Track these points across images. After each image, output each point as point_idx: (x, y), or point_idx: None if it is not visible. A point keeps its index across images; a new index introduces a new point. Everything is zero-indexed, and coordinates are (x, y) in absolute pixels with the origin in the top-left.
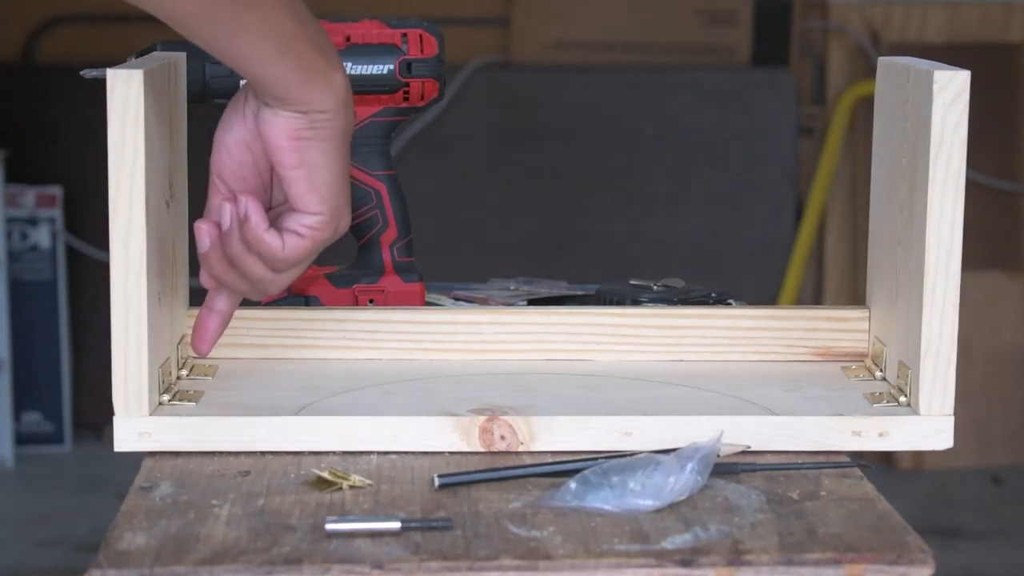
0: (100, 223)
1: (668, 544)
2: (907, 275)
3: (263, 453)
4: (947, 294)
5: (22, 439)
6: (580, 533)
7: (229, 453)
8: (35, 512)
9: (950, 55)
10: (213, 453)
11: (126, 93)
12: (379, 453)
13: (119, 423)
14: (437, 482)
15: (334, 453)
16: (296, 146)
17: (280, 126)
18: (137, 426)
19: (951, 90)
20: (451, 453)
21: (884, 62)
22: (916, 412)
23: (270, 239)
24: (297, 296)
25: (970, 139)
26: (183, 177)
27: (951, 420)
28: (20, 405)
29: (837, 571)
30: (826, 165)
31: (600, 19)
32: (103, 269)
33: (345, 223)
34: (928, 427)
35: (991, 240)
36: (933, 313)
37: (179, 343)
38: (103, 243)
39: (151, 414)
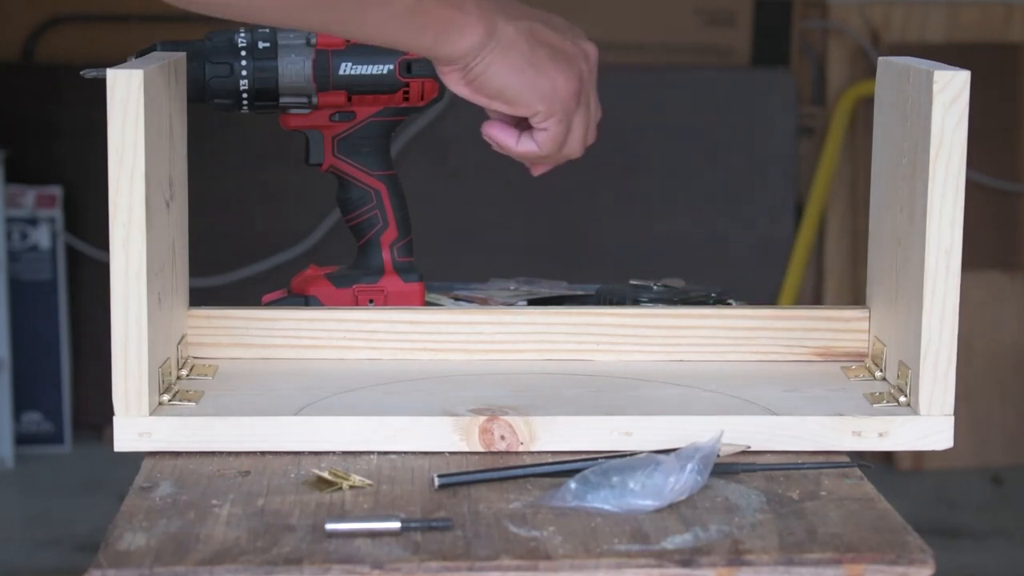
0: (100, 223)
1: (668, 544)
2: (907, 275)
3: (263, 453)
4: (947, 294)
5: (22, 439)
6: (580, 533)
7: (229, 453)
8: (35, 512)
9: (950, 55)
10: (213, 453)
11: (126, 93)
12: (379, 453)
13: (119, 423)
14: (437, 482)
15: (334, 453)
16: (472, 90)
17: (450, 80)
18: (137, 426)
19: (951, 90)
20: (451, 453)
21: (884, 62)
22: (916, 412)
23: (522, 149)
24: (297, 296)
25: (970, 139)
26: (183, 177)
27: (951, 420)
28: (20, 405)
29: (837, 571)
30: (826, 165)
31: (600, 19)
32: (103, 269)
33: (565, 90)
34: (928, 427)
35: (991, 240)
36: (933, 313)
37: (179, 343)
38: (103, 243)
39: (151, 414)
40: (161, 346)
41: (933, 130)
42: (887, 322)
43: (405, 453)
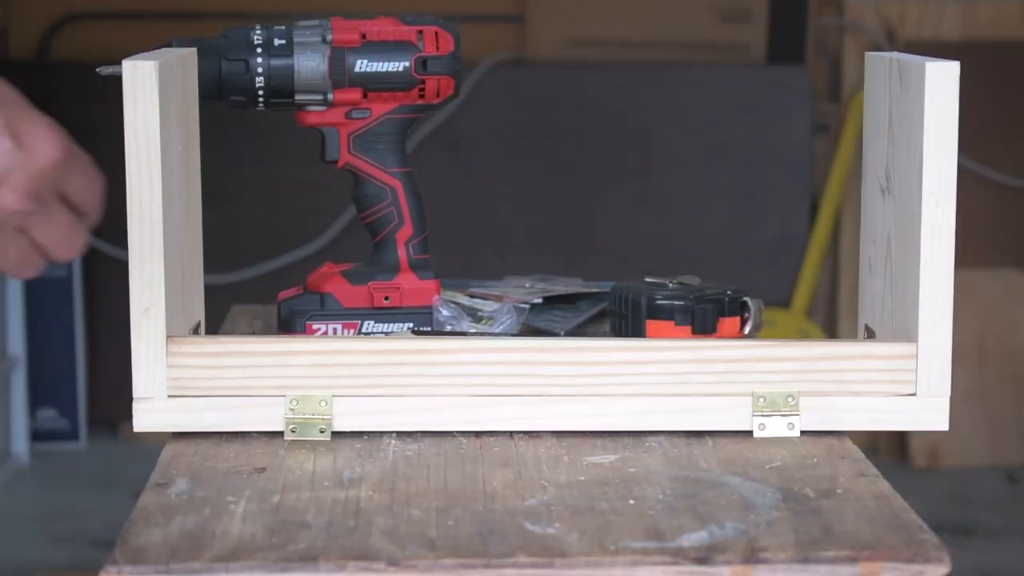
0: (115, 220)
1: (684, 542)
2: (901, 264)
3: (279, 449)
4: (942, 277)
5: (37, 436)
6: (595, 531)
7: (244, 450)
8: (50, 508)
9: (966, 52)
10: (229, 450)
11: (142, 84)
12: (397, 434)
13: (138, 406)
14: None
15: (353, 434)
16: None
17: None
18: (157, 406)
19: (941, 82)
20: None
21: (871, 57)
22: (914, 394)
23: None
24: (313, 293)
25: (985, 136)
26: (197, 173)
27: (947, 400)
28: (35, 402)
29: (853, 569)
30: (841, 162)
31: (615, 16)
32: (119, 266)
33: None
34: (926, 408)
35: (1006, 238)
36: (928, 298)
37: (194, 329)
38: (118, 240)
39: (169, 396)
40: (180, 328)
41: (926, 123)
42: (881, 307)
43: (422, 441)
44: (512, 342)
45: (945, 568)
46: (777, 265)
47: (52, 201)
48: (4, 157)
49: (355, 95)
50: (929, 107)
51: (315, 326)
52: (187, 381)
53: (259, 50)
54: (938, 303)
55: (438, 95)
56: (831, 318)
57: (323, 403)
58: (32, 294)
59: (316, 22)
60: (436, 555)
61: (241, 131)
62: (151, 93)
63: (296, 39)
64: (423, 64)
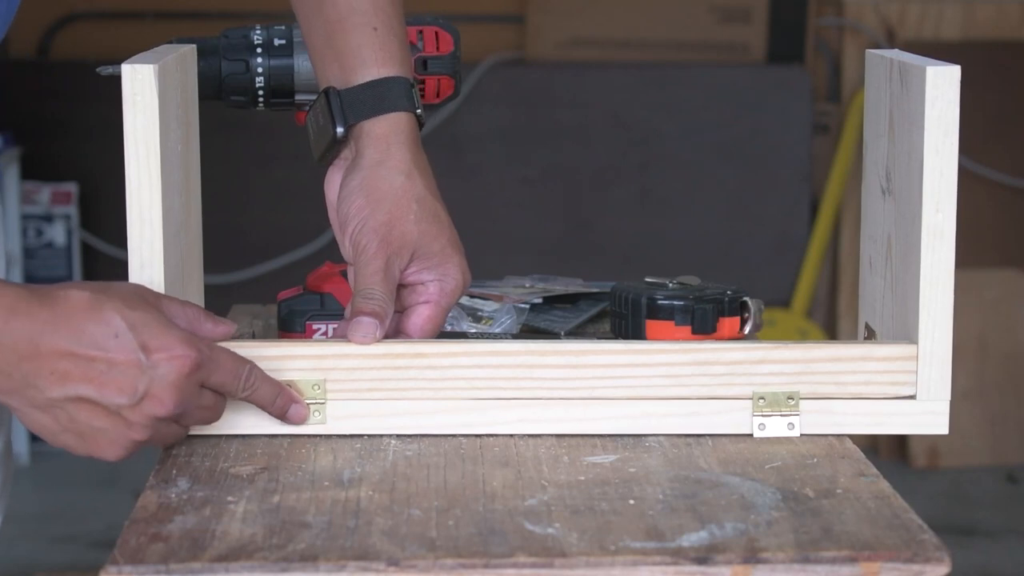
0: (115, 220)
1: (684, 542)
2: (901, 265)
3: (279, 449)
4: (942, 281)
5: (37, 436)
6: (595, 531)
7: (244, 450)
8: (50, 509)
9: (966, 52)
10: (229, 450)
11: (141, 86)
12: (397, 437)
13: None
14: None
15: (351, 436)
16: None
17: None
18: None
19: (943, 84)
20: (464, 436)
21: (872, 55)
22: (914, 397)
23: None
24: (313, 293)
25: (985, 136)
26: (197, 172)
27: (947, 404)
28: None
29: (853, 569)
30: (841, 162)
31: (615, 16)
32: (118, 266)
33: (111, 457)
34: (926, 412)
35: (1007, 238)
36: (928, 302)
37: None
38: (118, 240)
39: None
40: None
41: (927, 124)
42: (881, 309)
43: (421, 444)
44: (511, 345)
45: (945, 568)
46: (777, 265)
47: (195, 395)
48: (142, 374)
49: None
50: (930, 113)
51: (315, 326)
52: None
53: (259, 50)
54: (938, 307)
55: (438, 95)
56: (831, 318)
57: (316, 387)
58: None
59: None
60: (436, 555)
61: (241, 131)
62: (150, 96)
63: (296, 39)
64: (423, 64)
